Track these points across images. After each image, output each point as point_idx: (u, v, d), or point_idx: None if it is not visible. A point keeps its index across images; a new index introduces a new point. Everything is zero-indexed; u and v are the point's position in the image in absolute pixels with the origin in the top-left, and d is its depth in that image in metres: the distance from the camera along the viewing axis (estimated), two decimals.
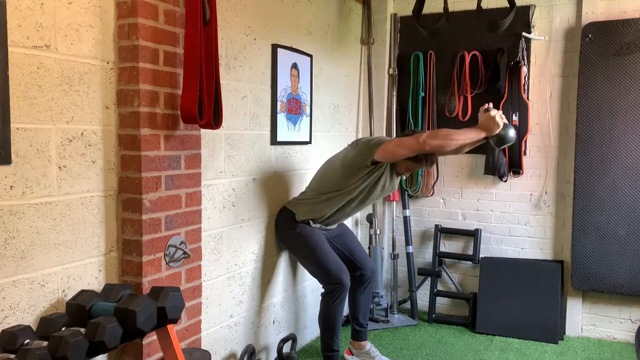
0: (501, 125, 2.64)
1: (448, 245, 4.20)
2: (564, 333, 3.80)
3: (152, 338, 2.13)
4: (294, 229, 3.05)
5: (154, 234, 2.14)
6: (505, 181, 3.98)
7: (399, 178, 3.07)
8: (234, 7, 2.73)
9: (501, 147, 2.90)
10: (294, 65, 3.28)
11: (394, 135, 4.14)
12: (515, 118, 3.85)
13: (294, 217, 3.05)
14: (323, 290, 3.07)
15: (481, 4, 3.40)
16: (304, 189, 3.24)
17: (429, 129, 4.06)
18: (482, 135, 2.67)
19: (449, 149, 2.73)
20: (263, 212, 3.07)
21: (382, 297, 4.00)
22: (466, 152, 3.99)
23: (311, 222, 3.04)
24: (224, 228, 2.75)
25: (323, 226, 3.08)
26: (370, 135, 4.19)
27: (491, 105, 2.71)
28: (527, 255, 3.98)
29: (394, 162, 2.87)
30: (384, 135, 4.22)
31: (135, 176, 2.07)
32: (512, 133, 2.67)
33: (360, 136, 4.25)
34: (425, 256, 4.26)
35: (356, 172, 2.86)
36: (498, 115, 2.63)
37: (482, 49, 3.93)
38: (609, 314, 3.74)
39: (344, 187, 2.92)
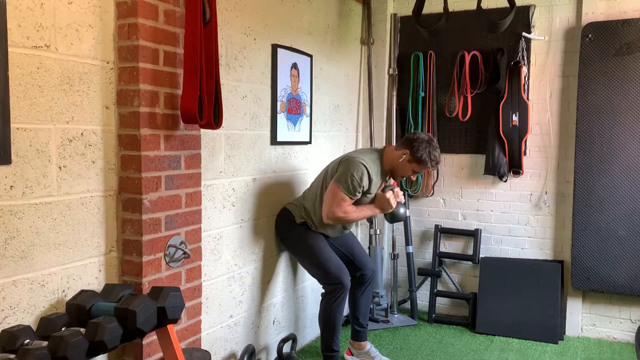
0: (394, 205, 3.00)
1: (448, 245, 4.20)
2: (564, 333, 3.80)
3: (152, 338, 2.13)
4: (294, 229, 3.06)
5: (154, 234, 2.14)
6: (505, 181, 3.98)
7: (402, 182, 3.14)
8: (234, 7, 2.73)
9: (393, 223, 3.41)
10: (294, 65, 3.28)
11: (394, 137, 4.14)
12: (515, 118, 3.85)
13: (293, 218, 3.05)
14: (323, 291, 3.07)
15: (481, 4, 3.40)
16: (304, 190, 3.24)
17: (429, 129, 4.07)
18: (377, 212, 3.03)
19: (346, 223, 3.09)
20: (263, 212, 3.07)
21: (382, 297, 4.00)
22: (466, 152, 4.06)
23: (311, 225, 3.05)
24: (224, 228, 2.75)
25: (323, 233, 3.09)
26: (370, 136, 4.19)
27: (391, 182, 3.16)
28: (527, 255, 3.98)
29: (394, 169, 3.02)
30: (384, 137, 4.22)
31: (135, 176, 2.07)
32: (402, 211, 3.10)
33: (360, 136, 4.25)
34: (425, 256, 4.26)
35: None
36: (392, 197, 2.97)
37: (482, 49, 3.93)
38: (609, 314, 3.74)
39: None
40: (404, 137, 3.08)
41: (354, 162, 2.90)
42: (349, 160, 2.93)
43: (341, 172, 2.90)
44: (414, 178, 3.11)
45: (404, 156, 2.94)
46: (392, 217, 3.12)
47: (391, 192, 3.00)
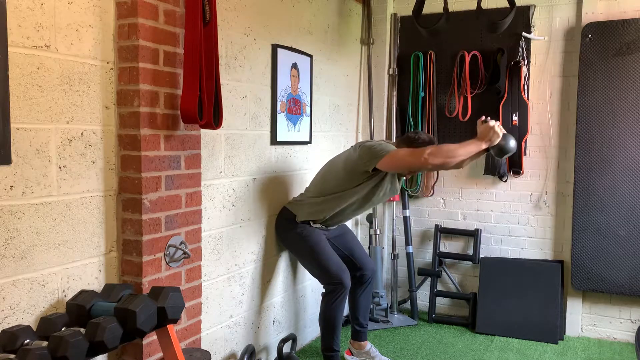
0: (501, 135, 2.66)
1: (448, 245, 4.20)
2: (564, 333, 3.80)
3: (152, 338, 2.13)
4: (295, 229, 3.05)
5: (154, 234, 2.14)
6: (505, 181, 3.98)
7: (401, 181, 3.09)
8: (234, 7, 2.73)
9: (502, 158, 2.94)
10: (294, 65, 3.28)
11: (394, 137, 4.14)
12: (515, 118, 3.85)
13: (294, 218, 3.05)
14: (323, 291, 3.07)
15: (481, 4, 3.40)
16: (304, 189, 3.24)
17: (429, 129, 4.06)
18: (483, 146, 2.69)
19: (451, 166, 2.76)
20: (263, 212, 3.07)
21: (382, 297, 4.00)
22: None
23: (311, 223, 3.04)
24: (224, 228, 2.75)
25: (324, 226, 3.09)
26: (370, 136, 4.19)
27: (489, 117, 2.74)
28: (527, 255, 3.98)
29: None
30: (384, 136, 4.22)
31: (135, 176, 2.07)
32: (512, 143, 2.69)
33: (360, 136, 4.25)
34: (425, 256, 4.26)
35: (357, 176, 2.88)
36: (497, 125, 2.66)
37: (482, 49, 3.93)
38: (609, 314, 3.74)
39: (344, 189, 2.93)
40: (404, 135, 3.07)
41: (364, 146, 2.88)
42: (360, 149, 2.88)
43: (365, 153, 2.81)
44: (408, 177, 3.08)
45: None
46: (501, 150, 2.69)
47: (494, 121, 2.66)
